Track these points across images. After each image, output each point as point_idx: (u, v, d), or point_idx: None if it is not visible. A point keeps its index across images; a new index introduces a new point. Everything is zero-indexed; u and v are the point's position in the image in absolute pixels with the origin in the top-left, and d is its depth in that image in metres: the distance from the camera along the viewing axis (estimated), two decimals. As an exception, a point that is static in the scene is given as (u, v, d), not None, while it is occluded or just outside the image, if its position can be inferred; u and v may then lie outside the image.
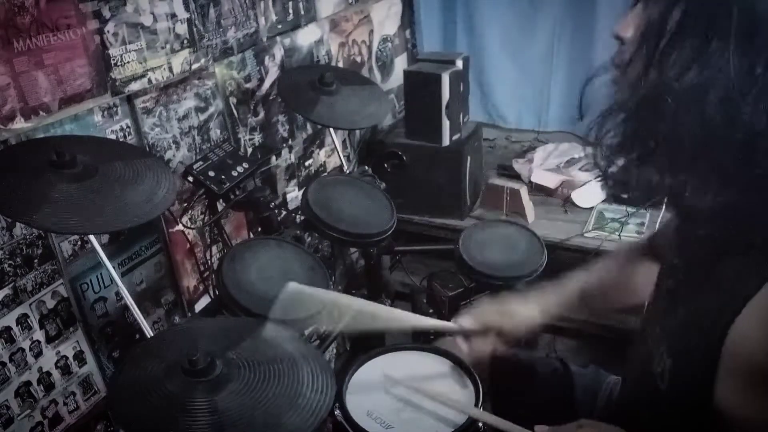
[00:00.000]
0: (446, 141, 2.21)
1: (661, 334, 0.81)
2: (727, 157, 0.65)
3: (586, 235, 2.13)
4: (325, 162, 2.28)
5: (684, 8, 0.64)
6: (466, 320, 1.17)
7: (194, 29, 1.58)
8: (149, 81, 1.48)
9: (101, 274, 1.42)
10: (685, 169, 0.69)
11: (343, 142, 2.35)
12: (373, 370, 1.19)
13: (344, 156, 2.14)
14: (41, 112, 1.25)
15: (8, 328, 1.26)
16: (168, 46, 1.52)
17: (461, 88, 2.24)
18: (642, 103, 0.68)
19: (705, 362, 0.69)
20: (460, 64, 2.22)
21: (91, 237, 1.16)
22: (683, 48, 0.64)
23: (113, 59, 1.38)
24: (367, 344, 1.64)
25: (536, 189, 2.40)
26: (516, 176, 2.49)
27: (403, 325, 1.19)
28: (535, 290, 1.20)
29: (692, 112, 0.64)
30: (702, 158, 0.66)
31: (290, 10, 1.94)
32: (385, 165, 2.29)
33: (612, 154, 0.74)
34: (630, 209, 2.14)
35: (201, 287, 1.74)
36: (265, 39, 1.85)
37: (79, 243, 1.37)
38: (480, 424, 1.04)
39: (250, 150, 1.86)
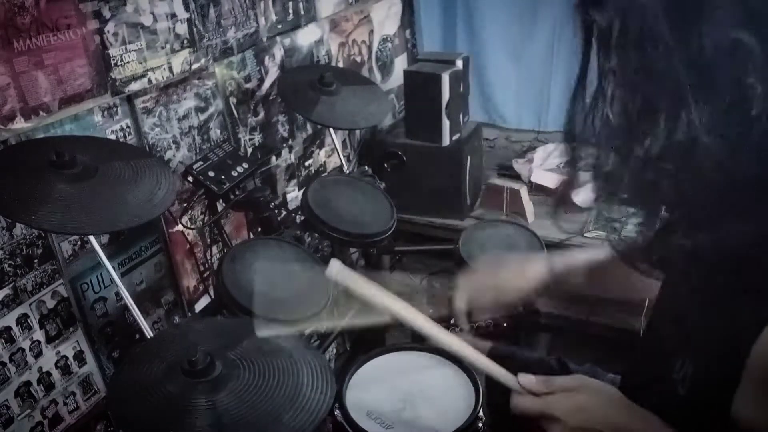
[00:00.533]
0: (446, 141, 2.21)
1: (681, 340, 0.80)
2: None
3: (586, 235, 2.13)
4: (325, 162, 2.28)
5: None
6: (460, 297, 1.16)
7: (194, 29, 1.58)
8: (149, 81, 1.48)
9: (101, 274, 1.42)
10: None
11: (343, 142, 2.35)
12: (373, 370, 1.19)
13: (344, 156, 2.14)
14: (41, 112, 1.25)
15: (8, 328, 1.26)
16: (168, 46, 1.52)
17: (461, 88, 2.24)
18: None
19: (729, 371, 0.68)
20: (460, 64, 2.22)
21: (91, 237, 1.16)
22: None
23: (113, 59, 1.38)
24: (367, 344, 1.65)
25: (536, 189, 2.40)
26: (516, 176, 2.49)
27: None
28: (528, 263, 1.17)
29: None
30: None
31: (290, 10, 1.94)
32: (385, 165, 2.29)
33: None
34: (630, 209, 2.13)
35: (201, 287, 1.73)
36: (265, 39, 1.85)
37: (79, 243, 1.37)
38: (480, 425, 1.04)
39: (250, 150, 1.86)
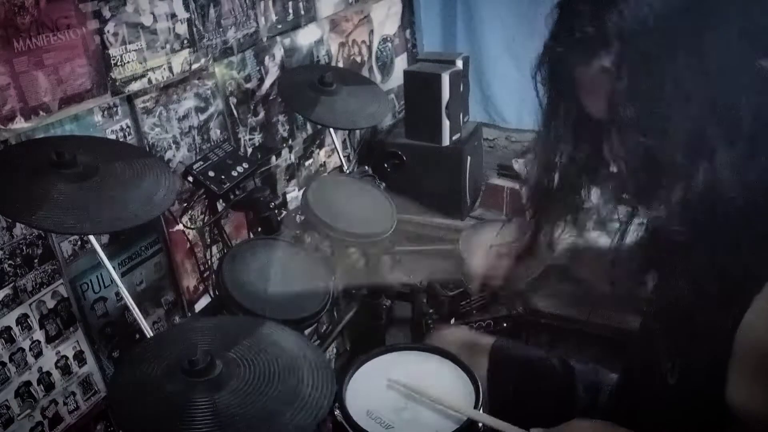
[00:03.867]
0: (446, 141, 2.21)
1: (669, 331, 0.81)
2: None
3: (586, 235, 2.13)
4: (325, 162, 2.28)
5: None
6: (479, 261, 1.16)
7: (194, 29, 1.58)
8: (149, 81, 1.48)
9: (101, 274, 1.42)
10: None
11: (343, 142, 2.35)
12: (373, 370, 1.19)
13: (344, 156, 2.13)
14: (41, 112, 1.25)
15: (8, 328, 1.26)
16: (168, 46, 1.52)
17: (461, 88, 2.24)
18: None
19: (716, 358, 0.69)
20: (460, 64, 2.22)
21: (91, 237, 1.16)
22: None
23: (113, 59, 1.38)
24: (367, 344, 1.64)
25: (536, 189, 2.40)
26: (516, 176, 2.49)
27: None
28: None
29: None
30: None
31: (290, 10, 1.94)
32: (385, 165, 2.29)
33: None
34: (630, 209, 2.13)
35: (201, 287, 1.73)
36: (265, 39, 1.85)
37: (79, 243, 1.37)
38: (480, 425, 1.04)
39: (250, 150, 1.86)
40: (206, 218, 1.68)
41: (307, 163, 2.17)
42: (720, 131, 0.62)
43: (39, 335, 1.32)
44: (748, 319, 0.66)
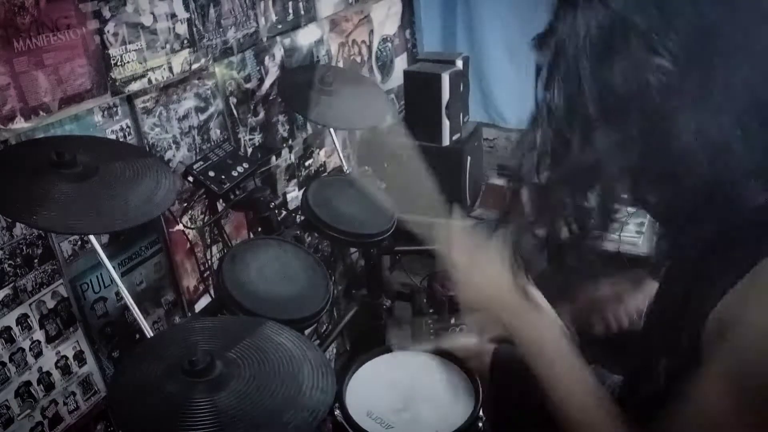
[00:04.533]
0: (446, 141, 2.21)
1: (657, 333, 0.82)
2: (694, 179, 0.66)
3: (586, 235, 2.13)
4: (325, 162, 2.28)
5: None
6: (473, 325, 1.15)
7: (194, 29, 1.58)
8: (149, 81, 1.48)
9: (101, 274, 1.42)
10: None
11: (343, 142, 2.35)
12: (373, 370, 1.19)
13: (344, 156, 2.13)
14: (41, 112, 1.25)
15: (8, 328, 1.26)
16: (168, 46, 1.52)
17: (461, 88, 2.24)
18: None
19: (691, 359, 0.69)
20: (460, 64, 2.22)
21: (91, 237, 1.16)
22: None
23: (113, 59, 1.38)
24: (367, 344, 1.64)
25: (536, 189, 2.40)
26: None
27: None
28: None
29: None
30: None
31: (290, 10, 1.94)
32: (385, 165, 2.29)
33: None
34: (630, 209, 2.14)
35: (201, 287, 1.73)
36: (265, 39, 1.85)
37: (79, 243, 1.37)
38: (480, 425, 1.04)
39: (250, 150, 1.86)
40: (206, 218, 1.68)
41: (307, 163, 2.17)
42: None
43: (39, 335, 1.32)
44: (712, 317, 0.67)
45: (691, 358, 0.70)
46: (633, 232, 2.07)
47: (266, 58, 1.88)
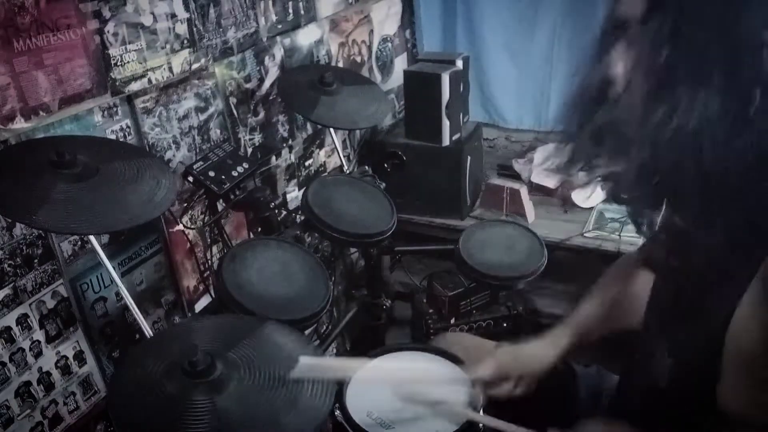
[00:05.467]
0: (446, 141, 2.21)
1: (661, 335, 0.81)
2: (726, 191, 0.65)
3: (586, 235, 2.14)
4: (325, 162, 2.28)
5: (669, 52, 0.65)
6: (485, 368, 1.12)
7: (194, 29, 1.58)
8: (149, 81, 1.48)
9: (101, 274, 1.42)
10: (688, 206, 0.70)
11: (343, 142, 2.35)
12: (373, 370, 1.19)
13: (344, 156, 2.14)
14: (41, 112, 1.25)
15: (8, 328, 1.26)
16: (168, 46, 1.51)
17: (461, 88, 2.24)
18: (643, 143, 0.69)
19: (706, 361, 0.69)
20: (460, 64, 2.22)
21: (91, 237, 1.16)
22: (675, 91, 0.65)
23: (113, 59, 1.38)
24: (367, 344, 1.65)
25: (536, 189, 2.40)
26: (516, 176, 2.49)
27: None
28: (549, 332, 1.16)
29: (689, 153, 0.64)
30: (701, 194, 0.67)
31: (290, 10, 1.94)
32: (385, 165, 2.29)
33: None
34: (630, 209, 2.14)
35: (201, 287, 1.73)
36: (265, 39, 1.85)
37: (79, 243, 1.37)
38: (480, 425, 1.04)
39: (250, 150, 1.86)
40: (206, 218, 1.68)
41: (307, 163, 2.17)
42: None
43: (39, 335, 1.32)
44: (736, 319, 0.66)
45: (706, 362, 0.69)
46: (633, 232, 2.07)
47: (266, 58, 1.88)
